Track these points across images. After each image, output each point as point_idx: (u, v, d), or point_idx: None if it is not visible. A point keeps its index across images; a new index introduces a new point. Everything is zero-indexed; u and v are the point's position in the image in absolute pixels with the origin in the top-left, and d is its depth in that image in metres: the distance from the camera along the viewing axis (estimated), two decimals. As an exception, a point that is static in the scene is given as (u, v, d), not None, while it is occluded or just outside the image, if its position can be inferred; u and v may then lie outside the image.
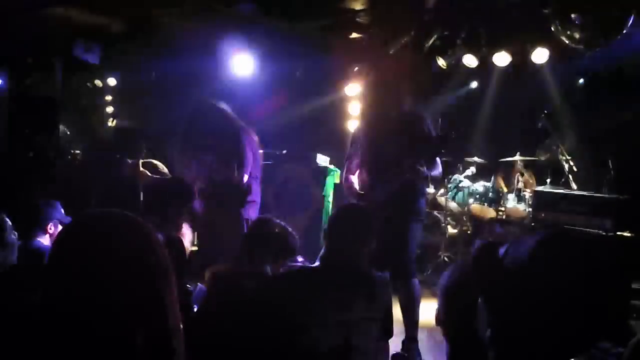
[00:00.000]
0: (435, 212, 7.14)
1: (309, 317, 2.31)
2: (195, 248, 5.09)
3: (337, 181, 7.28)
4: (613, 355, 4.02)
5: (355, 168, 4.39)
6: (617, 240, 4.88)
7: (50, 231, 3.89)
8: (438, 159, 4.10)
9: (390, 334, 2.67)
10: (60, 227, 3.92)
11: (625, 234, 4.92)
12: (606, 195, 5.44)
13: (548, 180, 6.40)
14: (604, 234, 4.92)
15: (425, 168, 3.99)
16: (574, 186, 6.13)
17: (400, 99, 4.25)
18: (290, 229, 3.38)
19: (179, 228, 3.58)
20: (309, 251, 6.38)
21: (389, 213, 3.89)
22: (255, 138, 5.24)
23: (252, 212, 5.20)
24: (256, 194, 5.32)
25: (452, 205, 7.28)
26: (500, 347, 1.35)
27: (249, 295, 2.65)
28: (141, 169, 5.48)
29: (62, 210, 3.97)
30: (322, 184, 6.98)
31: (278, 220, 3.41)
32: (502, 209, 6.83)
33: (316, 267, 2.65)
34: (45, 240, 3.85)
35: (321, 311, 2.34)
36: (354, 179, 4.37)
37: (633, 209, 5.18)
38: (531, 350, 1.28)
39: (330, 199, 7.05)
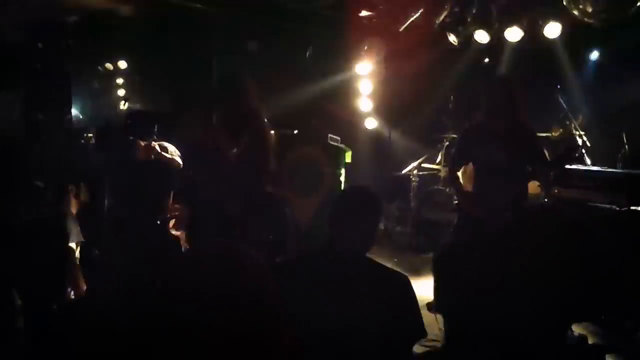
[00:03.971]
0: (448, 189, 7.12)
1: (306, 307, 2.11)
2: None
3: (349, 160, 7.28)
4: (628, 329, 3.98)
5: (461, 167, 4.61)
6: (631, 215, 4.84)
7: None
8: None
9: (411, 336, 2.41)
10: None
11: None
12: (620, 170, 5.39)
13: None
14: (617, 209, 4.88)
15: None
16: (588, 161, 6.08)
17: (521, 108, 4.32)
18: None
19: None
20: (320, 231, 6.43)
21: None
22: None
23: None
24: None
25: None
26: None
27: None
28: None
29: None
30: (335, 164, 6.98)
31: None
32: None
33: (319, 254, 2.50)
34: None
35: (320, 302, 2.19)
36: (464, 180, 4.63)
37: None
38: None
39: (342, 178, 7.06)
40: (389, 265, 2.60)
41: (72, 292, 3.78)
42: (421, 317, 2.39)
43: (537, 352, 1.30)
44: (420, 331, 2.38)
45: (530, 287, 1.28)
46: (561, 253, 1.29)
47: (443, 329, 1.96)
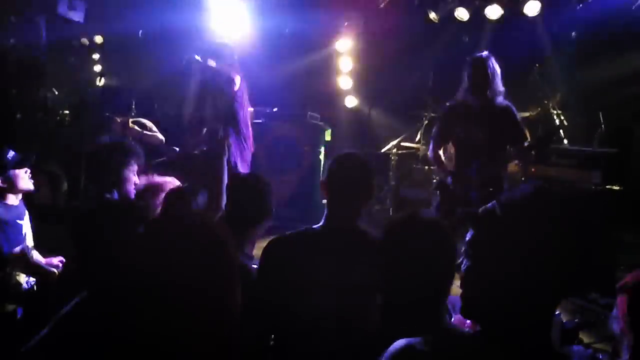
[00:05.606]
0: (427, 167, 7.15)
1: (305, 281, 2.09)
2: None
3: (329, 139, 7.27)
4: (600, 305, 4.06)
5: (442, 145, 4.69)
6: (605, 193, 4.90)
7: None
8: None
9: None
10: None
11: (614, 187, 4.95)
12: (596, 149, 5.45)
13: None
14: (592, 187, 4.94)
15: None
16: (565, 140, 6.13)
17: (501, 87, 4.38)
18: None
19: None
20: (300, 207, 6.43)
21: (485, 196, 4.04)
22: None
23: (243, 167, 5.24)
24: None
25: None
26: (479, 289, 1.36)
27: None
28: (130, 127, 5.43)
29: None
30: (314, 142, 6.97)
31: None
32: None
33: (317, 228, 2.42)
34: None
35: (318, 276, 2.15)
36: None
37: (622, 162, 5.20)
38: (510, 296, 1.31)
39: (322, 155, 7.05)
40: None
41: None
42: None
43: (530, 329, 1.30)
44: None
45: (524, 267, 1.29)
46: (551, 231, 1.29)
47: None
